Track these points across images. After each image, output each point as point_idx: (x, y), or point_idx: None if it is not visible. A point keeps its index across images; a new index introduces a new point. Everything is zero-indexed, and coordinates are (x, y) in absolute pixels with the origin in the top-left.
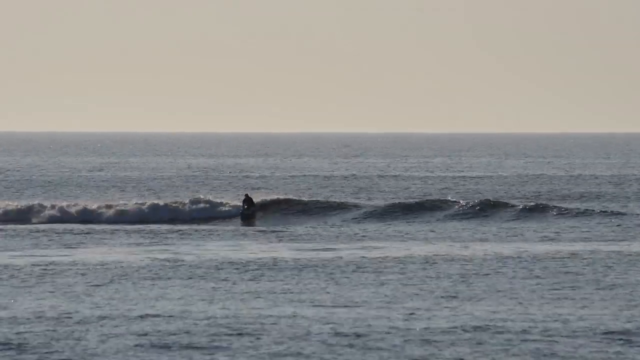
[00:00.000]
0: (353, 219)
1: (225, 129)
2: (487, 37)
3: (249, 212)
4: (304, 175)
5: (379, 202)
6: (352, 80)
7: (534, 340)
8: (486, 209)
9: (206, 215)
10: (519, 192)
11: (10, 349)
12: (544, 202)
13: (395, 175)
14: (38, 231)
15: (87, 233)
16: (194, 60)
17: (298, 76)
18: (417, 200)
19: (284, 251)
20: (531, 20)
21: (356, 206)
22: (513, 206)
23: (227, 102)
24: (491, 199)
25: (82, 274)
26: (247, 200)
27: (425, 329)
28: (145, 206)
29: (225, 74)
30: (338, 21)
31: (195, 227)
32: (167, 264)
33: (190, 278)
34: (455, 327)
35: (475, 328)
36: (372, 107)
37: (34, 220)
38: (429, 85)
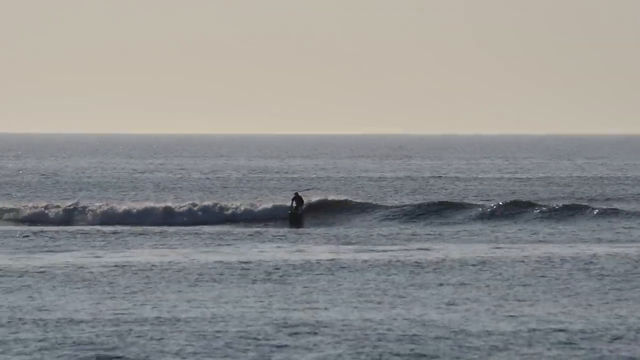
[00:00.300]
0: (407, 219)
1: (225, 129)
2: (487, 37)
3: (299, 213)
4: (358, 177)
5: (433, 203)
6: (352, 80)
7: (595, 340)
8: (541, 210)
9: (255, 216)
10: (572, 193)
11: (69, 347)
12: (597, 204)
13: (450, 177)
14: (90, 232)
15: (140, 234)
16: (194, 60)
17: (298, 76)
18: (472, 201)
19: (339, 252)
20: (531, 20)
21: (411, 207)
22: (567, 207)
23: (227, 102)
24: (545, 200)
25: (138, 275)
26: (297, 198)
27: (484, 330)
28: (197, 208)
29: (226, 74)
30: (338, 21)
31: (247, 229)
32: (222, 265)
33: (245, 279)
34: (514, 329)
35: (535, 330)
36: (372, 107)
37: (85, 221)
38: (429, 85)
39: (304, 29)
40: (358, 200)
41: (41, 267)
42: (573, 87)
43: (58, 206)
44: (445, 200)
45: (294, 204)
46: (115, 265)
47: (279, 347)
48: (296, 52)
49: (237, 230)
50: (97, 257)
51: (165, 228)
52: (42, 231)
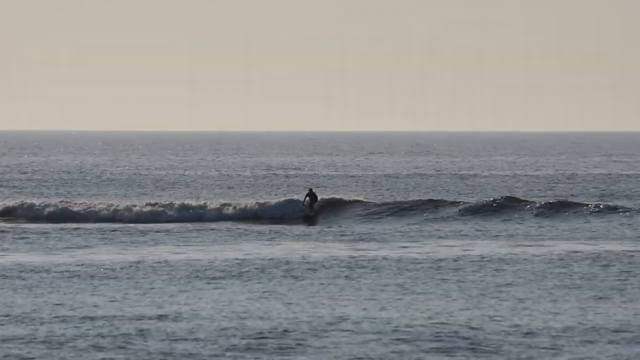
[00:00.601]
0: (426, 216)
1: (226, 128)
2: (489, 37)
3: (313, 210)
4: (374, 174)
5: (452, 200)
6: (352, 80)
7: (615, 336)
8: (567, 208)
9: (269, 213)
10: (596, 191)
11: (88, 343)
12: (622, 202)
13: (469, 174)
14: (108, 229)
15: (157, 231)
16: (193, 59)
17: (298, 76)
18: (489, 198)
19: (357, 249)
20: (533, 20)
21: (429, 203)
22: (589, 205)
23: (230, 102)
24: (572, 197)
25: (157, 272)
26: (311, 195)
27: (504, 327)
28: (211, 205)
29: (226, 74)
30: (338, 21)
31: (261, 226)
32: (239, 262)
33: (263, 276)
34: (534, 325)
35: (555, 326)
36: (372, 107)
37: (100, 218)
38: (429, 85)
39: (304, 28)
40: (374, 197)
41: (62, 264)
42: (576, 87)
43: (76, 203)
44: (463, 197)
45: (308, 200)
46: (134, 262)
47: (298, 344)
48: (296, 52)
49: (253, 227)
50: (115, 254)
51: (184, 224)
52: (62, 228)
